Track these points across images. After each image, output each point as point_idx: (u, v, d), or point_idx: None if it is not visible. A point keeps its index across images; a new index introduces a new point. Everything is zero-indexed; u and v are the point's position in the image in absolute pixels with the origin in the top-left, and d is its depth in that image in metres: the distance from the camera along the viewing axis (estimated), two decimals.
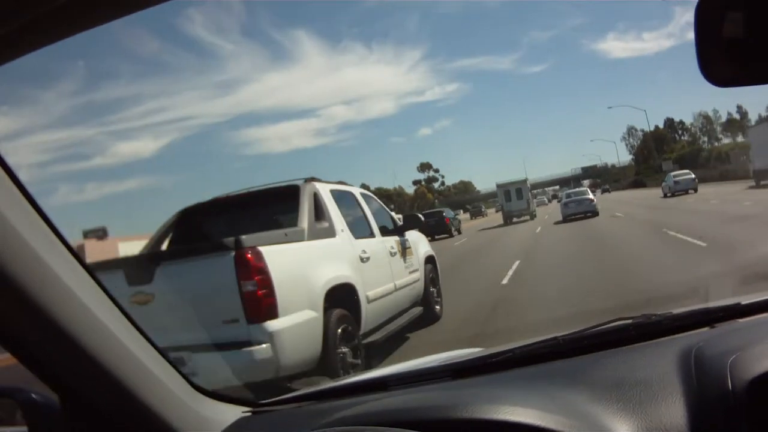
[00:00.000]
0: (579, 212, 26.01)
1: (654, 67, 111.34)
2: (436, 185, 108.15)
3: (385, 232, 6.78)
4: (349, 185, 6.82)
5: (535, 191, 67.52)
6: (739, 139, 72.07)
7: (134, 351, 1.24)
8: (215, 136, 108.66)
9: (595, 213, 25.31)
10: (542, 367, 1.42)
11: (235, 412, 1.52)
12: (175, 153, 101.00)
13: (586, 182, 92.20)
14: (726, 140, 78.22)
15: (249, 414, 1.54)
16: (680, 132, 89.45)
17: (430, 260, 7.86)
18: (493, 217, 43.00)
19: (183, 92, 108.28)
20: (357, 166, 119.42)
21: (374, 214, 6.75)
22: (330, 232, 5.49)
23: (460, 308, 8.01)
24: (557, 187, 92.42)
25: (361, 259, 5.73)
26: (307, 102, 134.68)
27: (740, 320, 1.43)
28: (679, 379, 1.14)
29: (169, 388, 1.32)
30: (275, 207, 5.88)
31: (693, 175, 33.53)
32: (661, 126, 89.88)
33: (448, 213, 34.73)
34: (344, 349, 4.92)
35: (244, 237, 4.36)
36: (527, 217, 36.36)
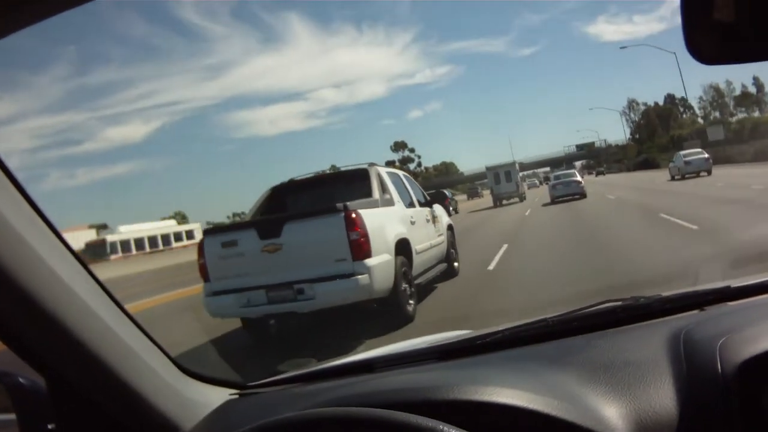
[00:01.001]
0: (567, 194, 26.88)
1: (645, 50, 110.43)
2: (412, 166, 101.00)
3: (420, 204, 8.76)
4: (393, 169, 9.25)
5: (525, 173, 66.48)
6: (756, 114, 65.85)
7: (120, 334, 1.25)
8: (205, 119, 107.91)
9: (582, 195, 26.01)
10: (531, 349, 1.43)
11: (222, 395, 1.52)
12: (164, 137, 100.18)
13: (578, 163, 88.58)
14: (740, 115, 70.14)
15: (236, 396, 1.54)
16: (683, 109, 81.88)
17: (450, 228, 10.00)
18: (489, 198, 43.05)
19: (173, 76, 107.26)
20: (346, 148, 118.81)
21: (413, 190, 8.80)
22: (391, 202, 7.54)
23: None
24: (548, 168, 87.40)
25: (411, 222, 7.76)
26: (298, 85, 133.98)
27: (730, 303, 1.45)
28: (668, 362, 1.15)
29: (155, 371, 1.32)
30: (348, 184, 7.87)
31: (706, 155, 29.84)
32: (660, 103, 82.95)
33: (447, 193, 36.11)
34: (404, 285, 6.91)
35: (348, 203, 6.38)
36: (517, 200, 36.71)
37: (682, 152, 31.61)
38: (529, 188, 49.36)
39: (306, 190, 8.45)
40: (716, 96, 77.40)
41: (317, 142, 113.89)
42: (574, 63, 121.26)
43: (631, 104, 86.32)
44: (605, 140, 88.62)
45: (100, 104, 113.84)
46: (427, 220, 8.67)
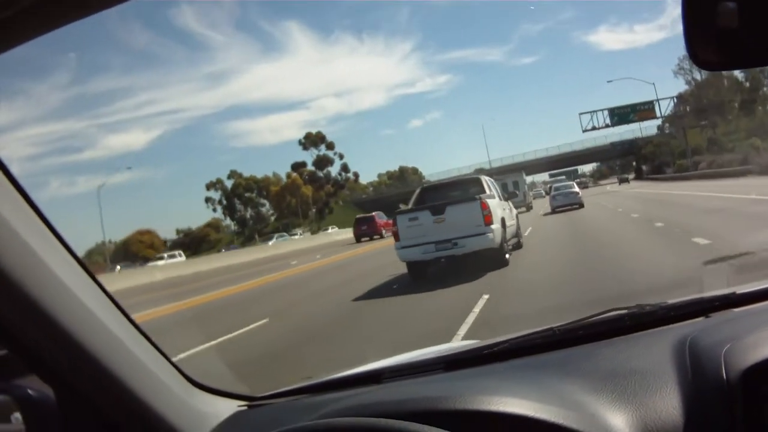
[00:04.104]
0: (566, 204, 28.82)
1: (646, 59, 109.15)
2: (333, 171, 76.80)
3: (503, 199, 13.79)
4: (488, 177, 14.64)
5: (530, 180, 61.20)
6: None
7: (129, 345, 1.28)
8: (205, 128, 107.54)
9: (581, 205, 28.15)
10: (537, 358, 1.45)
11: (231, 406, 1.54)
12: (165, 145, 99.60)
13: (589, 168, 77.90)
14: None
15: (245, 408, 1.56)
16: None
17: (517, 216, 15.06)
18: None
19: (173, 84, 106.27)
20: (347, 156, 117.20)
21: (499, 190, 13.98)
22: (493, 197, 12.67)
23: None
24: (546, 177, 72.68)
25: (503, 209, 12.88)
26: (298, 94, 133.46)
27: (735, 309, 1.46)
28: (674, 369, 1.17)
29: (164, 383, 1.34)
30: (466, 185, 13.47)
31: None
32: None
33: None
34: (504, 244, 12.03)
35: (481, 195, 11.86)
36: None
37: None
38: (534, 198, 49.24)
39: (441, 189, 14.02)
40: None
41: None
42: (576, 71, 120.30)
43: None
44: (673, 100, 53.63)
45: (101, 112, 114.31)
46: (509, 209, 13.76)
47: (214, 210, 78.11)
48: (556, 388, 1.19)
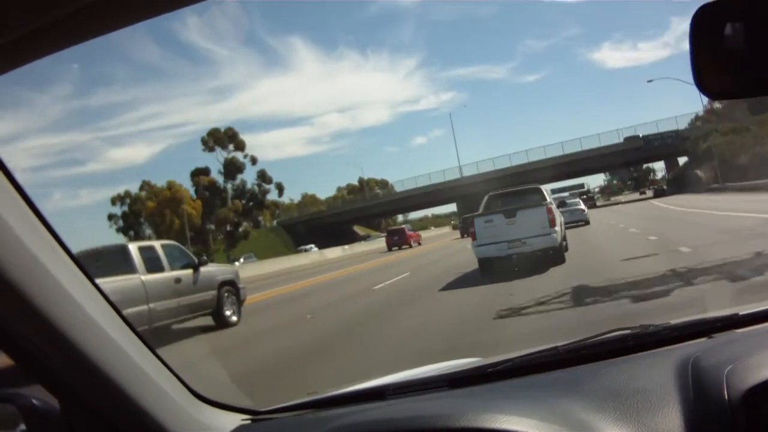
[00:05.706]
0: (572, 221, 29.68)
1: (650, 77, 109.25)
2: (249, 180, 58.11)
3: (556, 206, 15.76)
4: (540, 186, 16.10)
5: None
6: None
7: (134, 357, 1.29)
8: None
9: (586, 222, 29.23)
10: (541, 377, 1.46)
11: (235, 420, 1.55)
12: (168, 159, 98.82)
13: (597, 181, 75.50)
14: None
15: (248, 422, 1.56)
16: None
17: (563, 222, 16.30)
18: None
19: (177, 98, 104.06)
20: (350, 174, 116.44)
21: (552, 198, 16.15)
22: (551, 203, 14.12)
23: None
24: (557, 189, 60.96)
25: (559, 215, 14.60)
26: (302, 109, 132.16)
27: (738, 330, 1.47)
28: (676, 389, 1.17)
29: (169, 395, 1.36)
30: (528, 194, 14.99)
31: None
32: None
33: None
34: (563, 242, 14.15)
35: (546, 201, 14.11)
36: None
37: None
38: None
39: (506, 196, 15.39)
40: None
41: (321, 166, 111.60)
42: (579, 90, 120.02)
43: None
44: None
45: (104, 125, 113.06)
46: (560, 214, 15.51)
47: (118, 230, 59.27)
48: (559, 407, 1.20)
